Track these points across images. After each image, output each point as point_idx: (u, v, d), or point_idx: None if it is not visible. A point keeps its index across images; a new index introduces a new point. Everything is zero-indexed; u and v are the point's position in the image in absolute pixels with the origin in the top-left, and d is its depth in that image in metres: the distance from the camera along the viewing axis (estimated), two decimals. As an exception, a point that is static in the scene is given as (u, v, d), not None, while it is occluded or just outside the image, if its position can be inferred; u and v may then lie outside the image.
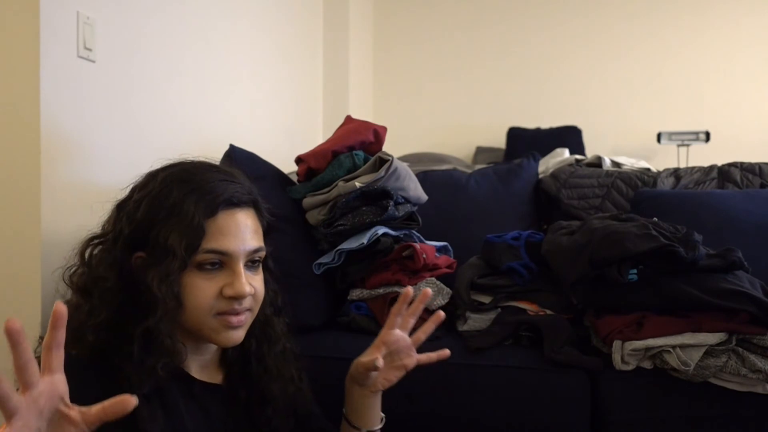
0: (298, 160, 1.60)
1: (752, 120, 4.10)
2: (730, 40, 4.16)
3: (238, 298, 0.84)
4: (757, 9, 4.13)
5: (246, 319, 0.87)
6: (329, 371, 1.31)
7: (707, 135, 3.79)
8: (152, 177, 0.86)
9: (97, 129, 1.40)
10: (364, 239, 1.43)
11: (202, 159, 0.92)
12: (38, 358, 0.77)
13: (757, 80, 4.13)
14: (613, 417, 1.23)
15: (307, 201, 1.54)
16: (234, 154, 1.51)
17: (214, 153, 1.57)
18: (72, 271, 0.86)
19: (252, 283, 0.86)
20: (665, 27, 4.23)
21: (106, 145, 1.43)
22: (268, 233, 0.94)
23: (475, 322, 1.42)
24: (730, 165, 1.94)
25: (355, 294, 1.49)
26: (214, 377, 0.93)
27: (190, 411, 0.85)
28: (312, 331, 1.42)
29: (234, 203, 0.86)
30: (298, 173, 1.60)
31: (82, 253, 0.85)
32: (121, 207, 0.86)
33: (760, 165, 1.92)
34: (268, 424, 0.93)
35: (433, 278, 1.49)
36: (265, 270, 0.95)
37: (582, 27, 4.33)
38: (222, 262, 0.84)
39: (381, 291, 1.45)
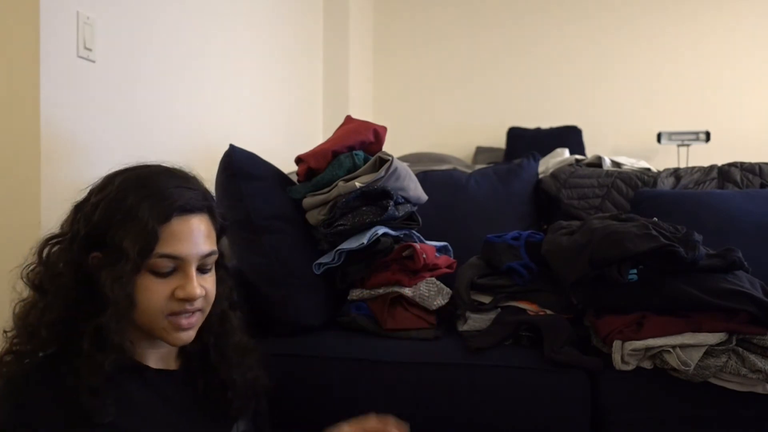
0: (298, 160, 1.60)
1: (752, 120, 4.10)
2: (730, 40, 4.16)
3: (190, 300, 0.87)
4: (758, 9, 4.13)
5: (196, 321, 0.91)
6: (329, 371, 1.32)
7: (707, 135, 3.79)
8: (110, 180, 0.89)
9: (97, 129, 1.40)
10: (364, 239, 1.43)
11: (159, 163, 0.94)
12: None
13: (757, 80, 4.13)
14: (613, 417, 1.23)
15: (307, 201, 1.54)
16: (234, 154, 1.51)
17: (214, 153, 1.58)
18: (30, 269, 0.89)
19: (203, 285, 0.90)
20: (665, 27, 4.23)
21: (106, 145, 1.43)
22: (221, 236, 0.97)
23: (475, 322, 1.42)
24: (730, 165, 1.94)
25: (355, 294, 1.49)
26: (171, 366, 0.96)
27: (144, 399, 0.88)
28: (312, 331, 1.42)
29: (188, 209, 0.88)
30: (298, 173, 1.60)
31: (40, 252, 0.88)
32: (78, 208, 0.89)
33: (760, 165, 1.92)
34: (229, 406, 0.97)
35: (433, 278, 1.49)
36: (220, 268, 0.99)
37: (582, 27, 4.33)
38: (175, 265, 0.87)
39: (381, 291, 1.45)
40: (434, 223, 1.67)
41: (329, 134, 1.69)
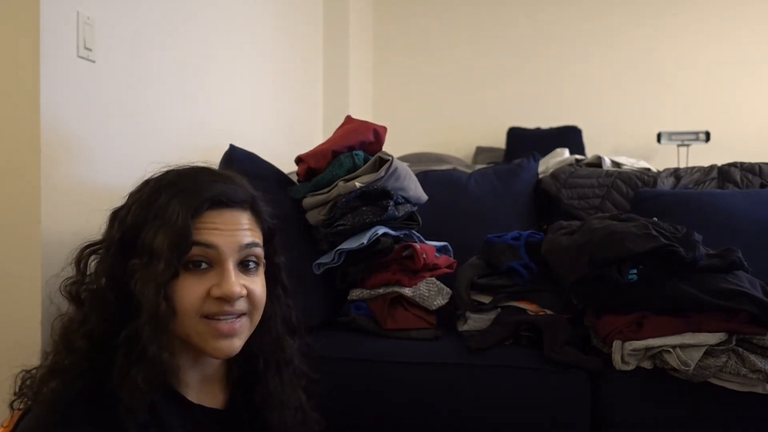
0: (298, 160, 1.60)
1: (752, 120, 4.10)
2: (730, 40, 4.16)
3: (227, 299, 0.77)
4: (758, 9, 4.14)
5: (241, 328, 0.81)
6: (329, 371, 1.32)
7: (707, 135, 3.79)
8: (146, 183, 0.83)
9: (97, 129, 1.40)
10: (364, 239, 1.43)
11: (203, 164, 0.87)
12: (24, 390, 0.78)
13: (757, 80, 4.13)
14: (613, 417, 1.23)
15: (307, 201, 1.55)
16: (234, 154, 1.51)
17: (214, 153, 1.58)
18: (68, 281, 0.82)
19: (246, 285, 0.80)
20: (665, 27, 4.23)
21: (106, 145, 1.43)
22: (270, 239, 0.88)
23: (475, 322, 1.42)
24: (730, 165, 1.94)
25: (355, 294, 1.49)
26: (216, 399, 0.88)
27: None
28: (312, 331, 1.42)
29: (223, 202, 0.80)
30: (298, 173, 1.61)
31: (77, 262, 0.82)
32: (115, 214, 0.83)
33: (760, 165, 1.92)
34: None
35: (433, 278, 1.49)
36: (277, 284, 0.91)
37: (582, 27, 4.33)
38: (210, 261, 0.78)
39: (381, 291, 1.45)
40: (434, 223, 1.67)
41: (329, 134, 1.69)
